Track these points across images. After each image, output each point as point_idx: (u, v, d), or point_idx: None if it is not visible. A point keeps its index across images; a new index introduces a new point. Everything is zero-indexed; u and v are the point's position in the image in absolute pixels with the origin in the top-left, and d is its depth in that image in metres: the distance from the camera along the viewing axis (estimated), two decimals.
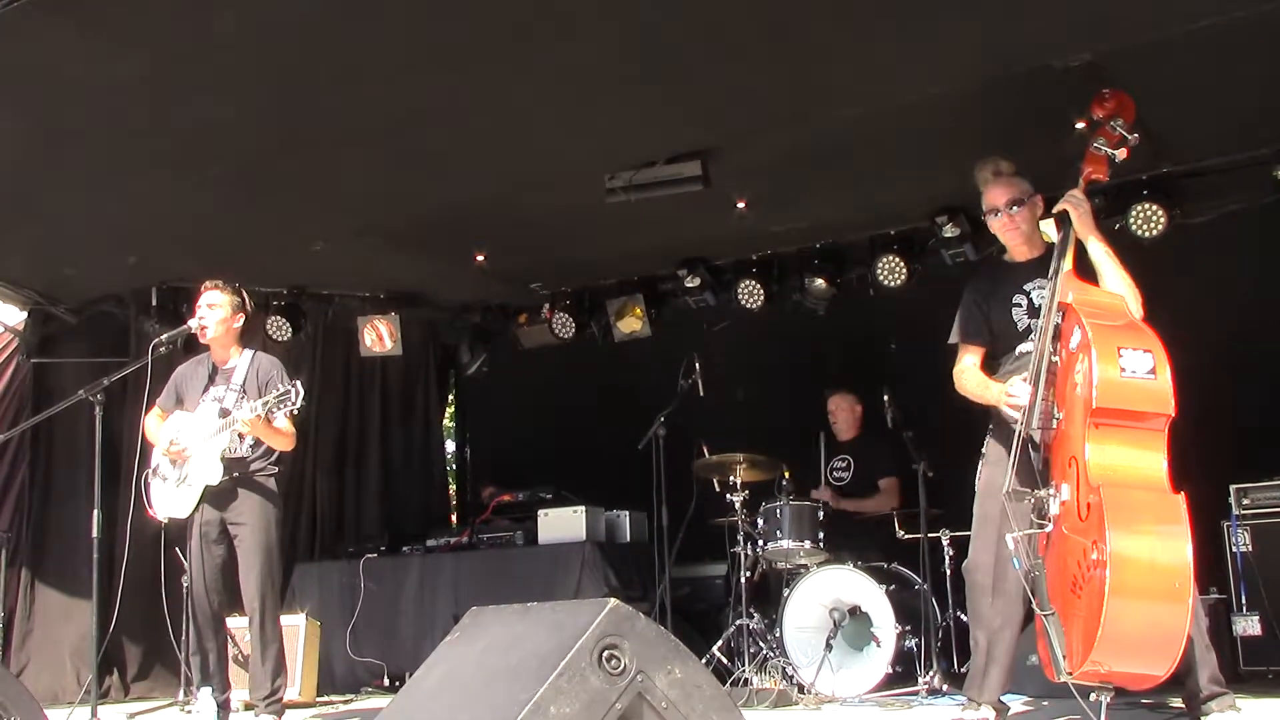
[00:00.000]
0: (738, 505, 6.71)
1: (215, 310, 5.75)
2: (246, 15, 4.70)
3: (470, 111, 5.63)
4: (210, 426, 5.56)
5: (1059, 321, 4.14)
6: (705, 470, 6.91)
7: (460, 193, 6.59)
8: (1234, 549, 6.26)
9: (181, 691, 7.05)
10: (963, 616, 5.91)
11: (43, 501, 7.96)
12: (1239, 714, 4.21)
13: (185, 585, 5.70)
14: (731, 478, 6.75)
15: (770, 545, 6.57)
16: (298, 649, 7.05)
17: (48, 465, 8.02)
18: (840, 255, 7.67)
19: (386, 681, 7.61)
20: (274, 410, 5.37)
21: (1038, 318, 4.36)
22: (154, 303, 7.93)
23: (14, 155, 5.86)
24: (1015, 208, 4.58)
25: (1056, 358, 4.13)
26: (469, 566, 7.74)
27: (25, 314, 8.19)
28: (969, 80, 5.40)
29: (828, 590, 6.33)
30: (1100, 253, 4.32)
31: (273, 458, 5.69)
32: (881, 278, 7.30)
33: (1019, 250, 4.67)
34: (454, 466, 10.84)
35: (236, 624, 5.98)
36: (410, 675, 3.40)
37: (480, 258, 7.77)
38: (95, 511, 5.31)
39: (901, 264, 7.25)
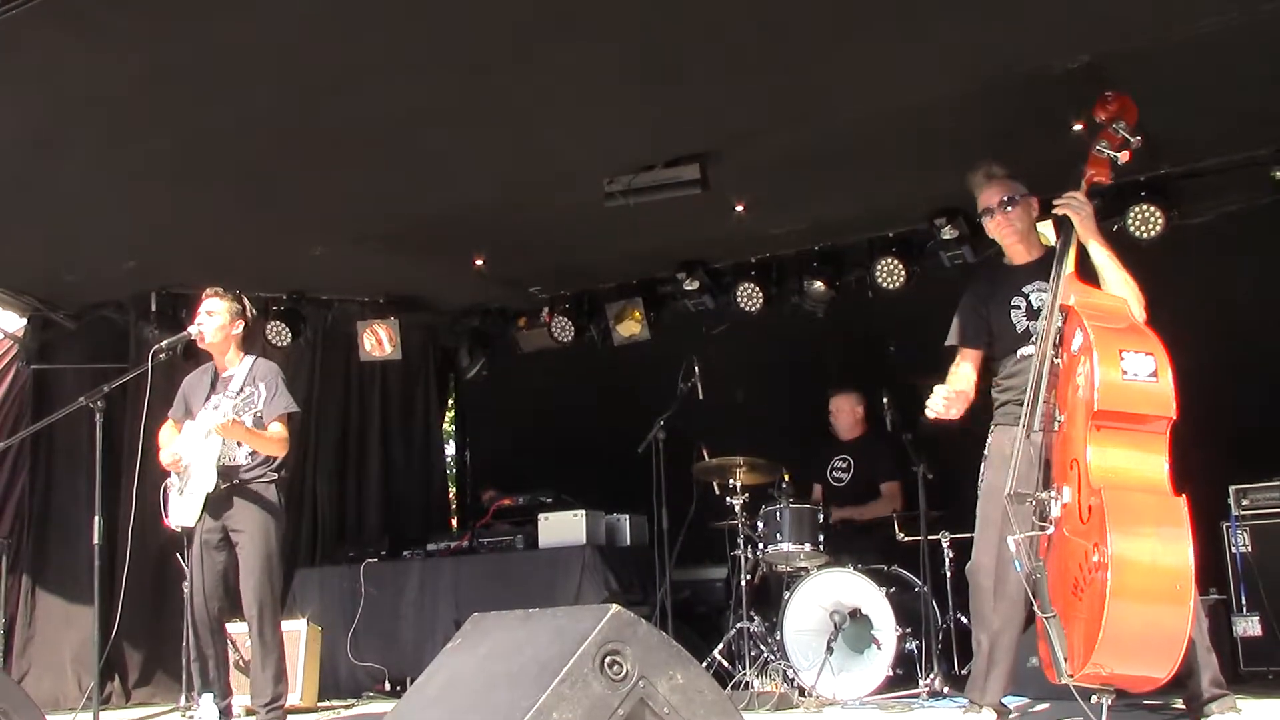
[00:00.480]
0: (738, 508, 6.72)
1: (214, 317, 5.76)
2: (245, 21, 4.70)
3: (469, 115, 5.64)
4: (204, 434, 5.57)
5: (1060, 324, 4.15)
6: (705, 473, 6.92)
7: (459, 196, 6.59)
8: (1234, 550, 6.26)
9: (183, 697, 7.04)
10: (963, 619, 5.93)
11: (43, 507, 7.96)
12: (1239, 715, 4.22)
13: (186, 591, 5.70)
14: (731, 481, 6.75)
15: (770, 548, 6.57)
16: (299, 654, 7.05)
17: (48, 471, 8.02)
18: (839, 257, 7.68)
19: (388, 686, 7.60)
20: (241, 414, 5.37)
21: (1037, 320, 4.37)
22: (154, 308, 7.93)
23: (14, 161, 5.86)
24: (1009, 206, 4.61)
25: (1059, 360, 4.14)
26: (469, 570, 7.73)
27: (25, 320, 8.19)
28: (968, 82, 5.41)
29: (828, 593, 6.33)
30: (1102, 255, 4.33)
31: (273, 465, 5.68)
32: (880, 280, 7.30)
33: (1016, 252, 4.68)
34: (454, 470, 10.84)
35: (237, 630, 5.98)
36: (411, 680, 3.41)
37: (479, 261, 7.77)
38: (96, 518, 5.30)
39: (900, 266, 7.25)
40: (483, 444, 10.42)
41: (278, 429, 5.65)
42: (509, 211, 6.85)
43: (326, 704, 7.37)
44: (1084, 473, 3.88)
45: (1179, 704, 4.58)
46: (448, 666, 3.20)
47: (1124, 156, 4.37)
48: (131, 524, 6.58)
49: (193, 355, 6.24)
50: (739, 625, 6.51)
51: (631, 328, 8.32)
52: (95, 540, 5.30)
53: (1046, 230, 4.88)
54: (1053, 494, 4.00)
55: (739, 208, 6.86)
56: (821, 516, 6.61)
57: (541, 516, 7.67)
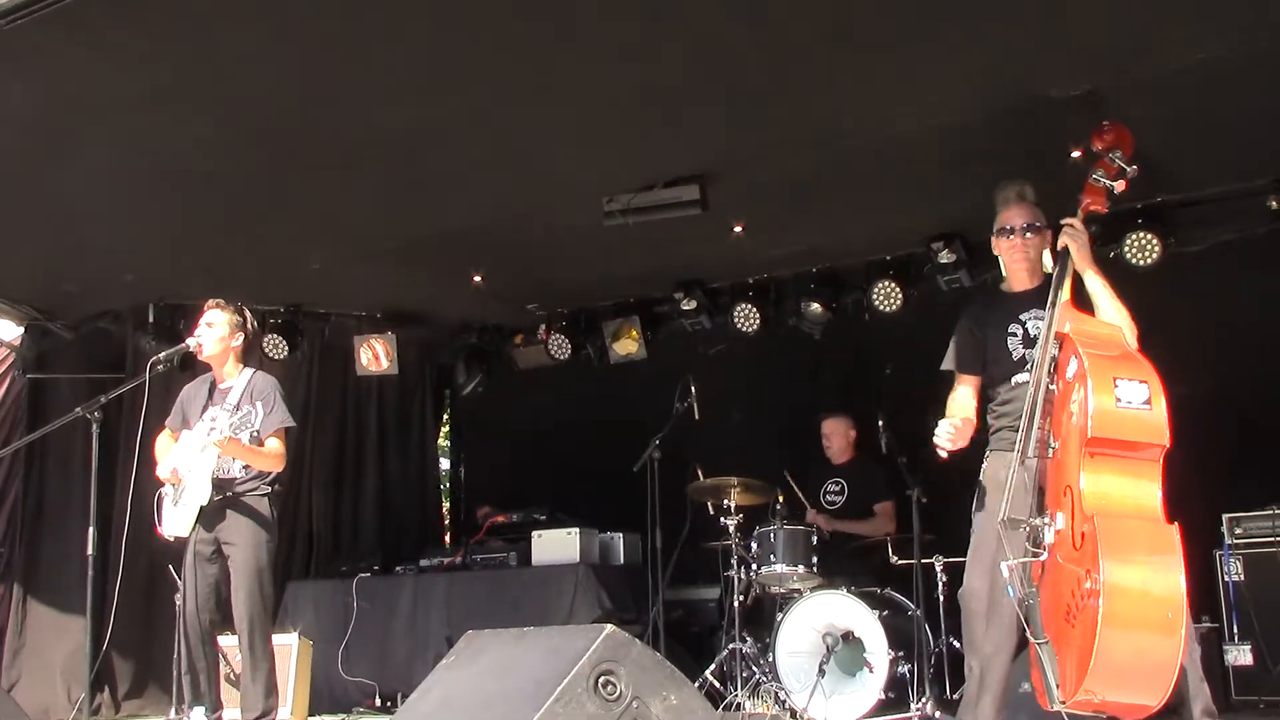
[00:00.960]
0: (731, 529, 6.71)
1: (213, 329, 5.77)
2: (247, 36, 4.73)
3: (469, 133, 5.66)
4: (200, 446, 5.57)
5: (1056, 352, 4.16)
6: (699, 493, 6.92)
7: (458, 213, 6.61)
8: (1226, 578, 6.27)
9: (174, 710, 7.01)
10: (956, 643, 5.93)
11: (35, 517, 7.95)
12: None
13: (178, 603, 5.69)
14: (725, 501, 6.75)
15: (764, 569, 6.57)
16: (290, 668, 7.02)
17: (41, 481, 8.01)
18: (836, 280, 7.69)
19: (378, 701, 7.57)
20: (238, 431, 5.37)
21: (1033, 348, 4.38)
22: (151, 320, 7.94)
23: (14, 171, 5.87)
24: (1029, 233, 4.58)
25: (1054, 387, 4.15)
26: (462, 587, 7.72)
27: (22, 329, 8.18)
28: (968, 109, 5.44)
29: (821, 615, 6.32)
30: (1097, 284, 4.34)
31: (267, 478, 5.68)
32: (877, 302, 7.32)
33: (1019, 279, 4.67)
34: (449, 486, 10.82)
35: (228, 642, 5.96)
36: (403, 696, 3.42)
37: (477, 278, 7.79)
38: (90, 529, 5.30)
39: (897, 289, 7.28)
40: (478, 460, 10.41)
41: (274, 444, 5.65)
42: (508, 229, 6.87)
43: (317, 718, 7.35)
44: (1077, 499, 3.88)
45: None
46: (442, 683, 3.21)
47: (1120, 186, 4.38)
48: (125, 535, 6.56)
49: (190, 366, 6.25)
50: (731, 646, 6.50)
51: (628, 346, 8.33)
52: (90, 551, 5.28)
53: (1044, 257, 4.89)
54: (1046, 520, 4.00)
55: (737, 229, 6.88)
56: (815, 538, 6.61)
57: (535, 534, 7.67)
